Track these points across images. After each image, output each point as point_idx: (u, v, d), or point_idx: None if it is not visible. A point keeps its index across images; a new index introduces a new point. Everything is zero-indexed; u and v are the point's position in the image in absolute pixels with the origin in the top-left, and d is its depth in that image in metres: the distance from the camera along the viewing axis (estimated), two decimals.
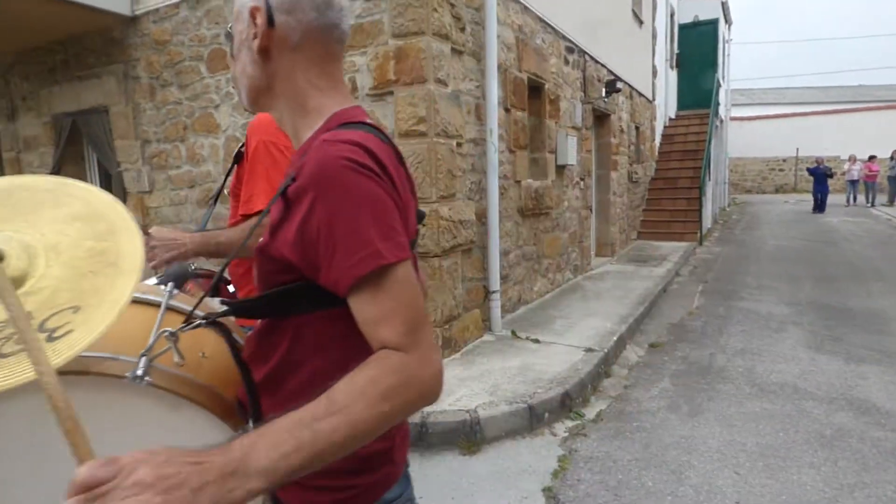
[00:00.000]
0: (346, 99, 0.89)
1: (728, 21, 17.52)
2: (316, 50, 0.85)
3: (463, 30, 4.14)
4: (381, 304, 0.69)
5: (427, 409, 3.09)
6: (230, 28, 0.91)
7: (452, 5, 3.94)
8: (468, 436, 2.97)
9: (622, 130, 9.08)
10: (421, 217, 0.95)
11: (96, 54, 5.46)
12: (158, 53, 5.04)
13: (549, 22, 5.82)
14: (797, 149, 22.92)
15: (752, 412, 3.41)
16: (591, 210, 7.67)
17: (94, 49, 5.46)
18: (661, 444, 3.03)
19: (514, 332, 4.45)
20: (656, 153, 12.41)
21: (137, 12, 5.09)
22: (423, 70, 3.70)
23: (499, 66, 4.49)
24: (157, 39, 5.03)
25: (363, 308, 0.70)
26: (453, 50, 4.00)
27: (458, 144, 4.09)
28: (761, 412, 3.40)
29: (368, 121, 0.85)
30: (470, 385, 3.45)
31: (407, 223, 0.79)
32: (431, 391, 0.71)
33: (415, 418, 2.98)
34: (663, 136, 13.03)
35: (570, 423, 3.26)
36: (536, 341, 4.26)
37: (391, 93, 3.84)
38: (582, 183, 7.11)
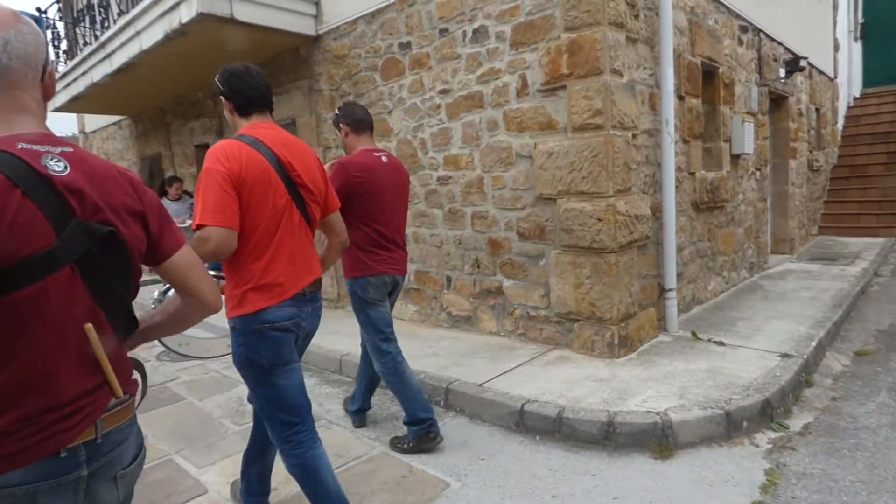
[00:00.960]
0: (7, 130, 0.98)
1: None
2: None
3: (637, 17, 3.97)
4: None
5: (614, 408, 3.02)
6: None
7: None
8: (660, 439, 2.84)
9: (801, 114, 8.12)
10: (90, 231, 0.99)
11: (286, 72, 6.09)
12: (338, 67, 5.49)
13: (722, 0, 5.38)
14: None
15: None
16: (766, 202, 6.96)
17: (285, 68, 6.10)
18: (891, 466, 2.65)
19: (693, 333, 4.18)
20: (839, 137, 10.93)
21: (320, 32, 5.60)
22: (598, 61, 3.62)
23: (672, 52, 4.24)
24: (336, 54, 5.49)
25: None
26: (628, 38, 3.86)
27: (634, 136, 3.93)
28: None
29: (19, 146, 0.94)
30: (654, 387, 3.30)
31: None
32: None
33: (601, 417, 2.93)
34: (847, 117, 11.43)
35: (772, 435, 2.98)
36: (720, 344, 3.96)
37: (564, 87, 3.80)
38: (758, 173, 6.48)
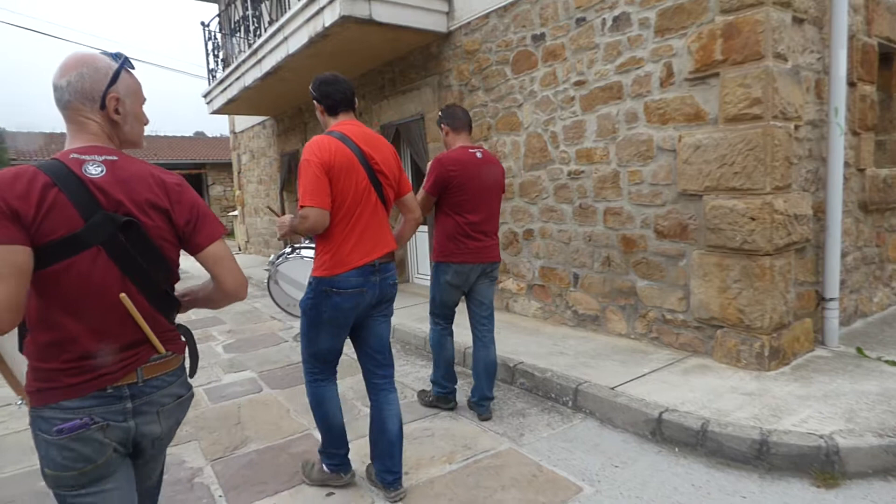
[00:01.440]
0: (72, 145, 1.33)
1: None
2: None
3: None
4: None
5: (767, 426, 2.74)
6: None
7: None
8: (823, 466, 2.53)
9: None
10: (113, 220, 1.27)
11: (416, 69, 6.28)
12: (468, 62, 5.55)
13: None
14: None
15: None
16: None
17: (415, 65, 6.29)
18: None
19: (860, 350, 3.69)
20: None
21: (452, 28, 5.69)
22: (759, 45, 3.29)
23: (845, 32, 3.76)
24: (467, 49, 5.54)
25: None
26: (794, 19, 3.48)
27: (796, 127, 3.54)
28: None
29: (64, 156, 1.28)
30: (814, 406, 2.95)
31: (38, 224, 1.19)
32: None
33: (752, 434, 2.67)
34: None
35: None
36: (894, 364, 3.46)
37: (716, 74, 3.51)
38: None
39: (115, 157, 1.34)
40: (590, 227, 4.50)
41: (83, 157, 1.30)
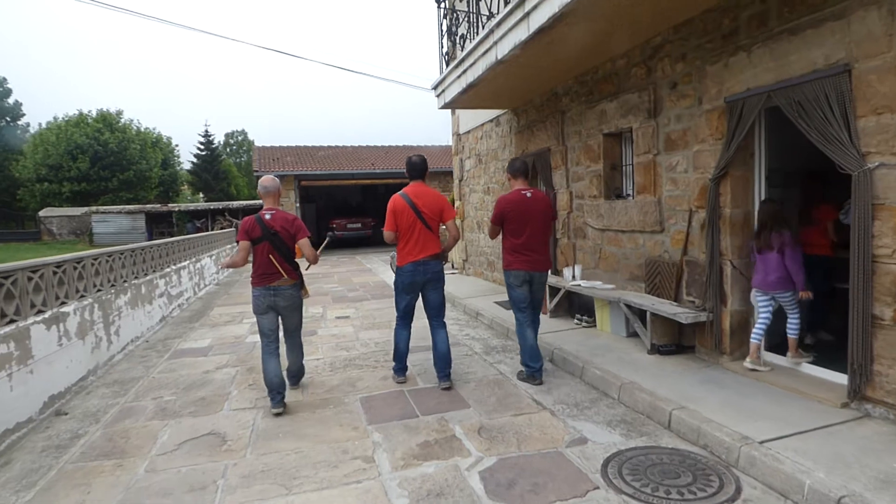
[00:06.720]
0: (265, 206, 4.41)
1: None
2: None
3: None
4: None
5: None
6: None
7: None
8: None
9: None
10: (271, 232, 4.27)
11: None
12: None
13: None
14: None
15: None
16: None
17: None
18: None
19: None
20: None
21: None
22: None
23: None
24: None
25: None
26: None
27: None
28: None
29: (261, 213, 4.33)
30: None
31: (250, 233, 4.30)
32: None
33: None
34: None
35: None
36: None
37: None
38: None
39: (275, 210, 4.35)
40: None
41: (264, 213, 4.32)
